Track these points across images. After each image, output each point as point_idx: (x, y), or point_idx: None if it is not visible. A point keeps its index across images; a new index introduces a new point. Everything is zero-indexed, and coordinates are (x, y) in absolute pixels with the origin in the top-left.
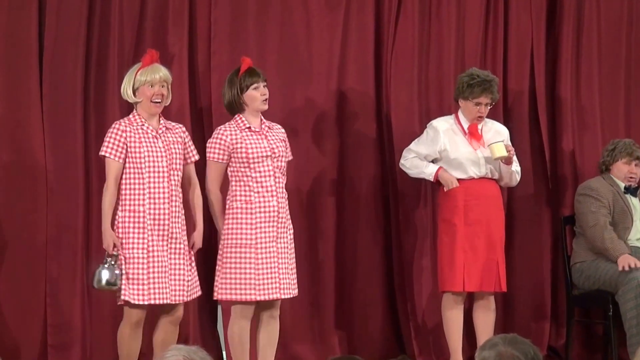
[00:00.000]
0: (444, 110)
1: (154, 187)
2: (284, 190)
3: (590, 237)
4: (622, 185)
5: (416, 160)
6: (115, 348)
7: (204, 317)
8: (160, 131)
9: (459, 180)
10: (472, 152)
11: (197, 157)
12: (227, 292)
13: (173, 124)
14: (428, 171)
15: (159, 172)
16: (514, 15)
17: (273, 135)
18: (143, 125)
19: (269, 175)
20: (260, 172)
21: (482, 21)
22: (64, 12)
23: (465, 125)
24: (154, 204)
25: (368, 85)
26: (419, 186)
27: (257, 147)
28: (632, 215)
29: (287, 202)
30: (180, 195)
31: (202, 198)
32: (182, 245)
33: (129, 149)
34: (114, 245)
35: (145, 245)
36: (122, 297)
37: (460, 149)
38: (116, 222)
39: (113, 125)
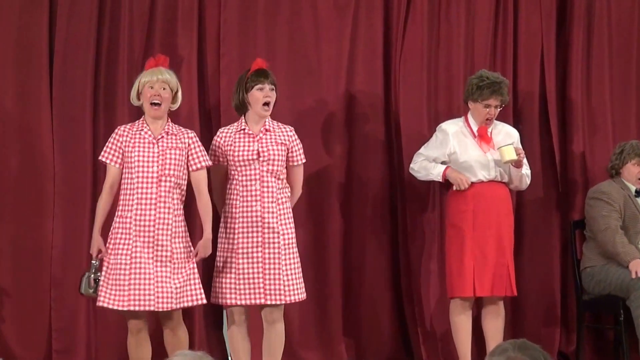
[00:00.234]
0: (453, 112)
1: (142, 193)
2: (276, 194)
3: (601, 241)
4: (632, 188)
5: (425, 163)
6: (119, 353)
7: (210, 322)
8: (159, 136)
9: None
10: (481, 155)
11: (202, 164)
12: (214, 296)
13: (182, 129)
14: (436, 172)
15: (148, 177)
16: (523, 17)
17: (270, 138)
18: (142, 130)
19: (255, 180)
20: (246, 175)
21: (491, 23)
22: (75, 16)
23: (475, 128)
24: (142, 210)
25: (377, 88)
26: (427, 189)
27: (243, 150)
28: None
29: (283, 206)
30: (176, 202)
31: (209, 205)
32: (168, 253)
33: (125, 154)
34: (99, 251)
35: (129, 252)
36: (98, 302)
37: (470, 151)
38: (111, 227)
39: (115, 130)
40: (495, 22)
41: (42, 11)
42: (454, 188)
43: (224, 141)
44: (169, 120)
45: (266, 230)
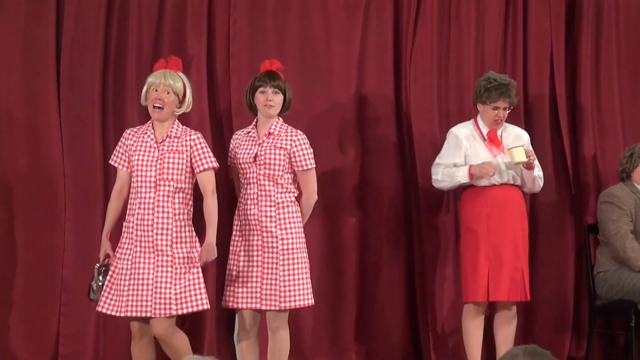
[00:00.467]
0: (464, 113)
1: (142, 198)
2: (274, 198)
3: (612, 245)
4: None
5: (447, 170)
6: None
7: (221, 326)
8: (161, 139)
9: (480, 187)
10: (492, 158)
11: (205, 166)
12: (223, 299)
13: (187, 131)
14: (461, 174)
15: (146, 182)
16: (533, 18)
17: (272, 142)
18: (146, 132)
19: (253, 183)
20: (246, 178)
21: (501, 24)
22: (82, 15)
23: (485, 131)
24: (142, 215)
25: (387, 89)
26: (441, 191)
27: (244, 153)
28: None
29: (284, 210)
30: (178, 207)
31: (212, 208)
32: (168, 258)
33: (130, 158)
34: (107, 256)
35: (131, 257)
36: (97, 308)
37: (481, 155)
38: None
39: (123, 133)
40: (505, 23)
41: (49, 11)
42: (481, 183)
43: (235, 143)
44: (176, 122)
45: (265, 234)
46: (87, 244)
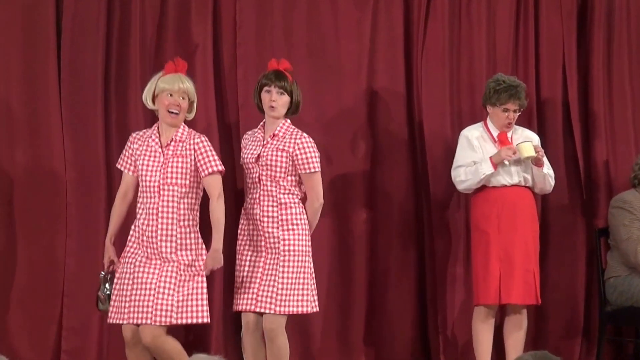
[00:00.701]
0: (476, 112)
1: (147, 203)
2: (277, 199)
3: (623, 251)
4: None
5: (469, 169)
6: None
7: (229, 326)
8: (166, 144)
9: (491, 188)
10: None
11: (210, 170)
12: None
13: (192, 134)
14: (485, 166)
15: (151, 187)
16: (544, 19)
17: (275, 144)
18: (151, 137)
19: (255, 183)
20: (250, 178)
21: (512, 23)
22: (82, 6)
23: (495, 133)
24: (146, 220)
25: (399, 86)
26: (452, 190)
27: (247, 153)
28: None
29: (287, 212)
30: (183, 212)
31: (219, 213)
32: (173, 265)
33: (136, 162)
34: (111, 262)
35: (135, 262)
36: (108, 320)
37: (489, 160)
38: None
39: (129, 137)
40: (517, 21)
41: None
42: (506, 162)
43: (243, 143)
44: (182, 126)
45: (266, 235)
46: (90, 246)
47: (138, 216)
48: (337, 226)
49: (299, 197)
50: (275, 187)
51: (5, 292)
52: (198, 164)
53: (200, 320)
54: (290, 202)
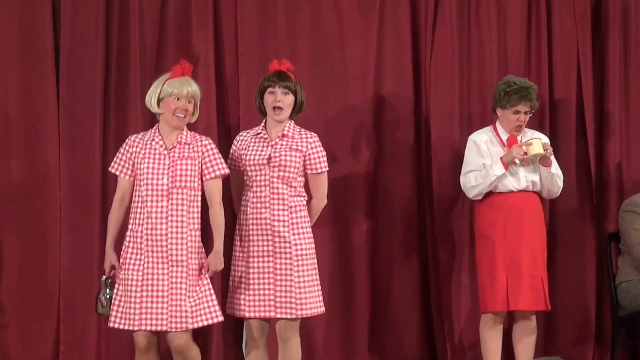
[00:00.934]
0: (486, 117)
1: (153, 207)
2: (287, 202)
3: (635, 255)
4: None
5: (479, 173)
6: None
7: (229, 335)
8: (171, 146)
9: (496, 194)
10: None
11: (217, 173)
12: (229, 307)
13: (197, 137)
14: (496, 167)
15: (158, 190)
16: (557, 21)
17: (286, 144)
18: (153, 139)
19: (265, 186)
20: (256, 181)
21: (524, 26)
22: (80, 11)
23: (504, 137)
24: (152, 224)
25: (407, 91)
26: (456, 197)
27: (255, 155)
28: None
29: (297, 214)
30: (191, 215)
31: (221, 217)
32: (184, 269)
33: (135, 166)
34: (113, 267)
35: (141, 268)
36: (109, 323)
37: (499, 161)
38: (124, 242)
39: (125, 140)
40: (528, 24)
41: (44, 6)
42: (517, 161)
43: (240, 145)
44: (185, 129)
45: (277, 239)
46: (85, 250)
47: (138, 221)
48: (339, 231)
49: (306, 199)
50: (287, 189)
51: None
52: (204, 167)
53: (214, 321)
54: (299, 205)
